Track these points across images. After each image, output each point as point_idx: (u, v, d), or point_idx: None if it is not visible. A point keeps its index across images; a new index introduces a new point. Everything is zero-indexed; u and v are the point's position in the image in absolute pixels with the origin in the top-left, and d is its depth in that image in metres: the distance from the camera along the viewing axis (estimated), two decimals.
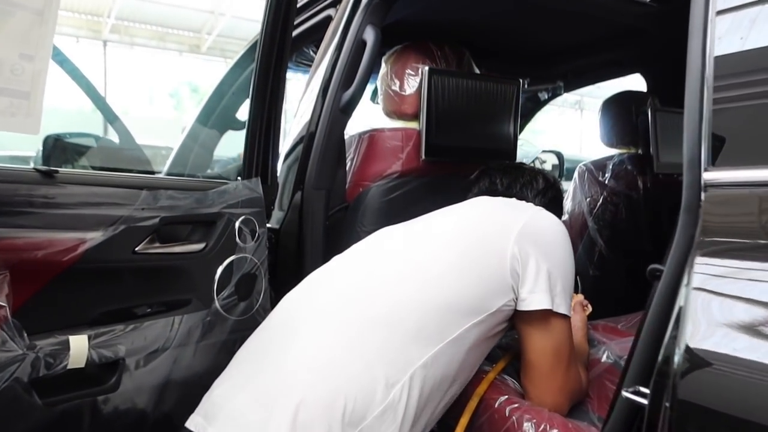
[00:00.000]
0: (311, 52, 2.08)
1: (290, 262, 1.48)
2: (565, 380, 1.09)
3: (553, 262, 1.07)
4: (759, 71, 0.67)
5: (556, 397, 1.08)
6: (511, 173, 1.35)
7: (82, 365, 1.07)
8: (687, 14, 1.72)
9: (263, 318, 1.12)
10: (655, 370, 0.60)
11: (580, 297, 1.48)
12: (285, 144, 1.61)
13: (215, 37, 12.08)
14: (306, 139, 1.51)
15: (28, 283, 1.04)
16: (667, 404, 0.54)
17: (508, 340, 1.30)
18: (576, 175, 2.17)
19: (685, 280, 0.60)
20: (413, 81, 1.63)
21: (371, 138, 1.62)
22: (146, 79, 12.76)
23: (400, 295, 1.00)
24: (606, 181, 2.09)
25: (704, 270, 0.58)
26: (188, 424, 0.95)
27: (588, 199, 2.10)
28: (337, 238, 1.56)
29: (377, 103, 2.29)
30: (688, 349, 0.52)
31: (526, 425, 1.02)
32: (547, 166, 3.32)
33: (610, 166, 2.09)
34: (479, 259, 1.05)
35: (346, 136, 1.62)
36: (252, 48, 2.05)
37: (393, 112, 1.69)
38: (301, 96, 1.66)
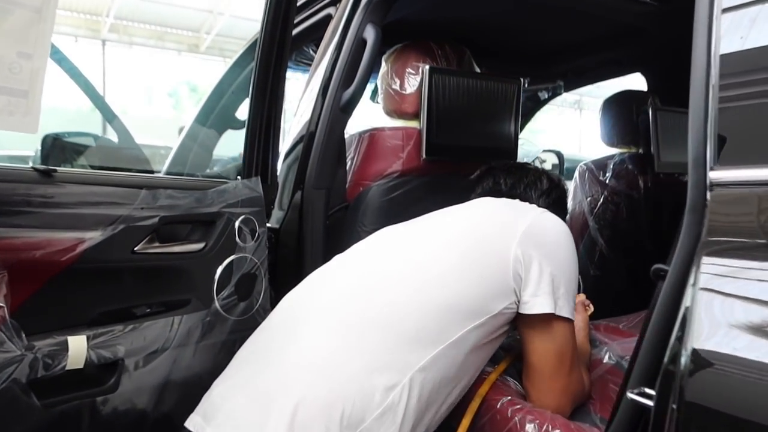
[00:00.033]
0: (311, 51, 2.07)
1: (290, 261, 1.47)
2: (567, 383, 1.08)
3: (557, 265, 1.06)
4: (766, 69, 0.66)
5: (558, 400, 1.08)
6: (515, 173, 1.34)
7: (81, 366, 1.06)
8: (688, 13, 1.72)
9: (263, 318, 1.11)
10: (660, 371, 0.59)
11: (582, 297, 1.47)
12: (285, 143, 1.60)
13: (214, 37, 12.06)
14: (306, 139, 1.50)
15: (26, 283, 1.03)
16: (674, 406, 0.53)
17: (510, 340, 1.29)
18: (577, 174, 2.17)
19: (691, 280, 0.59)
20: (414, 80, 1.63)
21: (372, 137, 1.62)
22: (145, 78, 12.75)
23: (400, 295, 0.99)
24: (607, 181, 2.08)
25: (711, 270, 0.57)
26: (187, 424, 0.95)
27: (589, 199, 2.10)
28: (338, 237, 1.55)
29: (377, 102, 2.28)
30: (695, 350, 0.52)
31: (529, 426, 1.02)
32: (547, 166, 3.31)
33: (611, 166, 2.09)
34: (481, 260, 1.04)
35: (346, 135, 1.61)
36: (251, 47, 2.04)
37: (393, 111, 1.68)
38: (300, 95, 1.65)
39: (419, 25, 1.82)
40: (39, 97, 1.00)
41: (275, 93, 1.37)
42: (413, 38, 1.72)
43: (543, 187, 1.31)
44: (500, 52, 2.13)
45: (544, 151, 3.20)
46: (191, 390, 1.04)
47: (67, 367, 1.04)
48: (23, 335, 0.99)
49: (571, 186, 2.16)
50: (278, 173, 1.50)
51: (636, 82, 2.57)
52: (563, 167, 3.27)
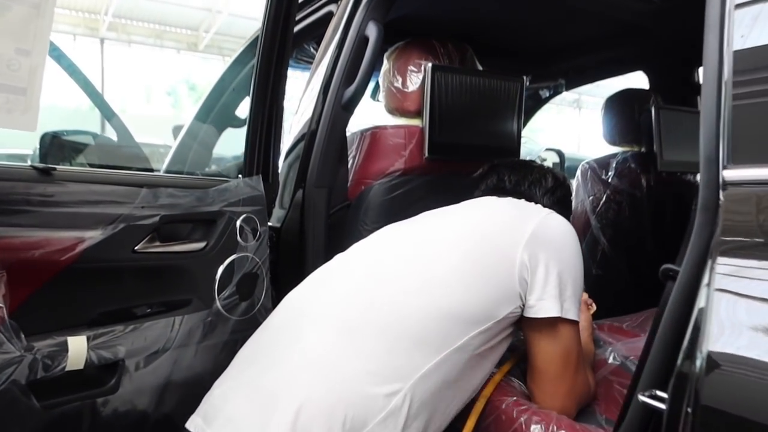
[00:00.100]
0: (312, 49, 2.06)
1: (291, 260, 1.46)
2: (572, 384, 1.07)
3: (563, 267, 1.05)
4: None
5: (563, 402, 1.07)
6: (520, 171, 1.32)
7: (81, 367, 1.05)
8: (689, 11, 1.71)
9: (265, 318, 1.10)
10: (674, 373, 0.58)
11: (584, 296, 1.46)
12: (286, 141, 1.59)
13: (213, 35, 12.04)
14: (308, 137, 1.49)
15: (25, 283, 1.02)
16: (689, 409, 0.52)
17: (514, 340, 1.28)
18: (579, 173, 2.16)
19: (705, 281, 0.58)
20: (416, 78, 1.61)
21: (373, 135, 1.60)
22: (143, 77, 12.73)
23: (405, 301, 0.98)
24: (609, 180, 2.07)
25: (726, 270, 0.56)
26: (188, 425, 0.94)
27: (591, 198, 2.08)
28: (339, 236, 1.54)
29: (378, 100, 2.27)
30: (711, 353, 0.50)
31: (534, 427, 1.01)
32: (548, 164, 3.31)
33: (614, 165, 2.08)
34: (487, 265, 1.03)
35: (348, 134, 1.60)
36: (252, 45, 2.03)
37: (395, 109, 1.67)
38: (302, 93, 1.64)
39: (420, 23, 1.81)
40: (38, 95, 0.99)
41: (276, 91, 1.36)
42: (415, 36, 1.70)
43: (548, 185, 1.30)
44: (501, 50, 2.12)
45: (547, 149, 3.19)
46: (192, 391, 1.03)
47: (67, 368, 1.03)
48: (22, 336, 0.98)
49: (573, 185, 2.15)
50: (279, 172, 1.49)
51: (635, 81, 2.57)
52: (564, 166, 3.26)
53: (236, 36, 11.44)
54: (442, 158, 1.62)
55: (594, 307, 1.47)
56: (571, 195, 1.39)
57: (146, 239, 1.15)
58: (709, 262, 0.59)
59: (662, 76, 2.39)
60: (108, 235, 1.09)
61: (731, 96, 0.65)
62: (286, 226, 1.49)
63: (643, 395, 0.67)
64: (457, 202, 1.26)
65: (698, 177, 2.00)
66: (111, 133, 1.89)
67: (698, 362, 0.52)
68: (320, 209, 1.46)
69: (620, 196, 2.06)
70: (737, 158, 0.64)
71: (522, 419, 1.03)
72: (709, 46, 0.70)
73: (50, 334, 1.03)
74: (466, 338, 0.96)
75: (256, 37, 1.98)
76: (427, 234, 1.14)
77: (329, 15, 1.65)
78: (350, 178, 1.61)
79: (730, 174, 0.64)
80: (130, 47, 11.96)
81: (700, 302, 0.58)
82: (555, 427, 0.99)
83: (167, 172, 2.05)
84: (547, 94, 2.73)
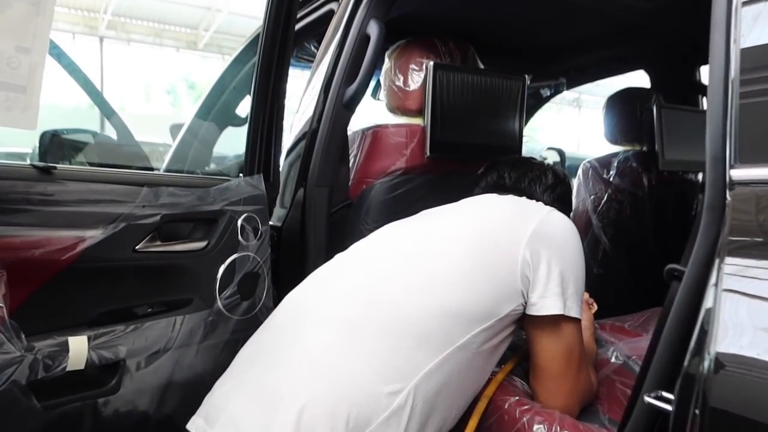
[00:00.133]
0: (312, 48, 2.06)
1: (292, 260, 1.45)
2: (575, 383, 1.07)
3: (565, 265, 1.04)
4: None
5: (566, 400, 1.06)
6: (520, 168, 1.32)
7: (82, 367, 1.05)
8: (691, 10, 1.71)
9: (266, 317, 1.09)
10: (680, 374, 0.57)
11: (585, 296, 1.46)
12: (286, 140, 1.58)
13: (212, 34, 12.03)
14: (309, 136, 1.49)
15: (25, 282, 1.02)
16: (696, 411, 0.51)
17: (516, 340, 1.27)
18: (580, 172, 2.15)
19: (712, 281, 0.57)
20: (417, 76, 1.61)
21: (375, 134, 1.60)
22: (143, 75, 12.71)
23: (407, 300, 0.97)
24: (611, 179, 2.06)
25: (735, 271, 0.55)
26: (189, 426, 0.93)
27: (592, 197, 2.08)
28: (340, 235, 1.54)
29: (378, 99, 2.26)
30: (719, 354, 0.50)
31: (537, 427, 1.00)
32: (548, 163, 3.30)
33: (615, 164, 2.07)
34: (488, 263, 1.03)
35: (349, 132, 1.60)
36: (252, 43, 2.02)
37: (397, 108, 1.66)
38: (303, 92, 1.64)
39: (421, 21, 1.80)
40: (38, 93, 0.98)
41: (277, 90, 1.35)
42: (416, 34, 1.70)
43: (548, 182, 1.30)
44: (502, 48, 2.11)
45: (548, 148, 3.19)
46: (193, 391, 1.03)
47: (68, 368, 1.02)
48: (23, 336, 0.97)
49: (574, 184, 2.14)
50: (280, 171, 1.48)
51: (635, 80, 2.56)
52: (564, 165, 3.26)
53: (236, 34, 11.43)
54: (444, 157, 1.62)
55: (595, 307, 1.47)
56: (571, 192, 1.39)
57: (147, 238, 1.15)
58: (717, 262, 0.58)
59: (663, 74, 2.38)
60: (108, 235, 1.08)
61: (738, 94, 0.65)
62: (287, 225, 1.48)
63: (649, 396, 0.66)
64: (459, 201, 1.26)
65: (700, 176, 2.00)
66: (110, 132, 1.88)
67: (706, 363, 0.51)
68: (321, 208, 1.46)
69: (622, 196, 2.06)
70: (744, 157, 0.64)
71: (525, 419, 1.02)
72: (715, 44, 0.69)
73: (51, 334, 1.03)
74: (469, 336, 0.96)
75: (257, 36, 1.97)
76: (427, 232, 1.13)
77: (330, 13, 1.65)
78: (351, 177, 1.61)
79: (737, 173, 0.64)
80: (130, 46, 11.95)
81: (708, 302, 0.57)
82: (558, 427, 0.99)
83: (167, 171, 2.04)
84: (548, 93, 2.72)
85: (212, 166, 2.21)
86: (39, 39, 0.99)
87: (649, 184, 2.07)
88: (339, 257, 1.15)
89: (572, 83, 2.63)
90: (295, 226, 1.46)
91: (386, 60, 1.71)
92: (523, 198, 1.23)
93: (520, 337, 1.25)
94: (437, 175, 1.62)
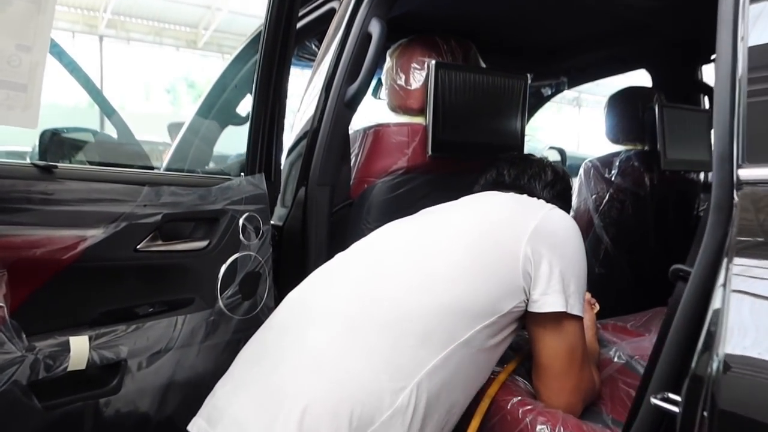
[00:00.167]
0: (313, 46, 2.05)
1: (293, 259, 1.45)
2: (578, 381, 1.06)
3: (567, 263, 1.04)
4: None
5: (569, 398, 1.06)
6: (519, 165, 1.33)
7: (83, 367, 1.04)
8: (693, 8, 1.70)
9: (267, 317, 1.09)
10: (688, 376, 0.57)
11: (587, 295, 1.46)
12: (288, 139, 1.57)
13: (212, 33, 12.03)
14: (310, 135, 1.48)
15: (26, 282, 1.01)
16: (705, 413, 0.51)
17: (518, 339, 1.27)
18: (582, 171, 2.15)
19: (720, 281, 0.57)
20: (419, 75, 1.60)
21: (376, 133, 1.59)
22: (142, 74, 12.70)
23: (408, 296, 0.97)
24: (612, 178, 2.06)
25: (743, 271, 0.55)
26: (190, 427, 0.93)
27: (594, 196, 2.07)
28: (342, 235, 1.53)
29: (379, 98, 2.26)
30: (728, 355, 0.49)
31: (540, 428, 1.00)
32: None
33: (617, 163, 2.06)
34: (491, 261, 1.02)
35: (350, 131, 1.59)
36: (253, 42, 2.02)
37: (398, 107, 1.66)
38: (304, 91, 1.63)
39: (422, 20, 1.80)
40: (39, 91, 0.98)
41: (279, 88, 1.35)
42: (417, 33, 1.69)
43: (547, 178, 1.30)
44: (504, 47, 2.11)
45: (550, 148, 3.18)
46: (195, 391, 1.02)
47: (69, 369, 1.02)
48: (24, 336, 0.97)
49: (576, 183, 2.14)
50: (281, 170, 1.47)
51: (636, 79, 2.55)
52: (565, 164, 3.26)
53: (236, 33, 11.43)
54: (446, 156, 1.61)
55: (597, 307, 1.47)
56: (570, 188, 1.39)
57: (148, 238, 1.14)
58: (725, 263, 0.58)
59: (665, 74, 2.38)
60: (110, 234, 1.08)
61: (746, 92, 0.64)
62: (288, 224, 1.47)
63: (655, 398, 0.66)
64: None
65: (702, 176, 1.99)
66: (110, 131, 1.88)
67: (714, 365, 0.51)
68: (323, 207, 1.45)
69: (623, 195, 2.05)
70: (753, 157, 0.63)
71: (528, 419, 1.02)
72: (722, 42, 0.68)
73: (52, 334, 1.02)
74: (471, 332, 0.95)
75: (258, 34, 1.97)
76: (428, 230, 1.13)
77: (331, 12, 1.64)
78: (353, 176, 1.60)
79: (745, 173, 0.63)
80: (129, 44, 11.94)
81: (715, 303, 0.56)
82: (561, 428, 0.98)
83: (167, 169, 2.03)
84: (549, 92, 2.72)
85: (212, 165, 2.21)
86: (40, 37, 0.98)
87: (651, 183, 2.06)
88: (339, 256, 1.15)
89: (573, 82, 2.63)
90: (296, 226, 1.45)
91: (388, 59, 1.70)
92: (524, 195, 1.23)
93: (523, 336, 1.25)
94: (439, 175, 1.62)
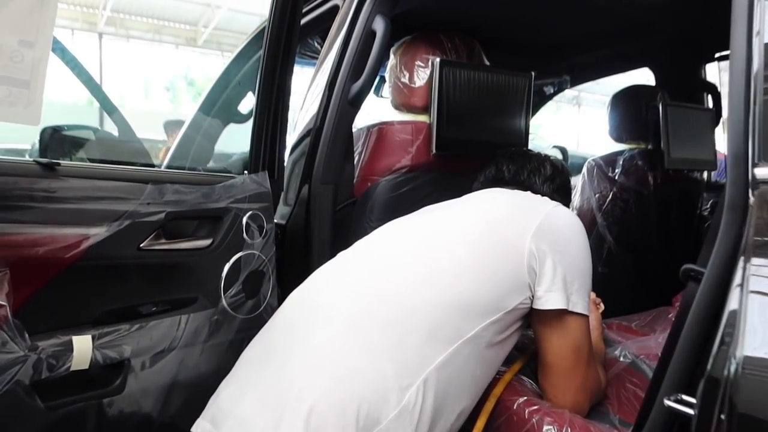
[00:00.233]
0: (316, 44, 2.04)
1: (296, 258, 1.44)
2: (584, 379, 1.06)
3: (571, 260, 1.04)
4: None
5: (576, 397, 1.06)
6: (518, 160, 1.33)
7: (86, 366, 1.03)
8: (697, 6, 1.69)
9: (271, 316, 1.08)
10: (703, 378, 0.56)
11: (592, 295, 1.45)
12: (291, 137, 1.56)
13: (212, 30, 12.01)
14: (313, 133, 1.47)
15: (29, 281, 1.00)
16: (722, 416, 0.50)
17: (523, 339, 1.26)
18: (585, 170, 2.14)
19: (736, 282, 0.56)
20: (423, 73, 1.59)
21: (380, 131, 1.58)
22: (142, 72, 12.68)
23: (413, 294, 0.96)
24: (616, 177, 2.05)
25: (761, 272, 0.54)
26: (194, 429, 0.92)
27: (597, 195, 2.07)
28: (345, 233, 1.52)
29: (381, 96, 2.25)
30: (748, 358, 0.48)
31: (547, 428, 0.99)
32: None
33: (620, 162, 2.05)
34: (496, 257, 1.02)
35: (353, 129, 1.58)
36: (255, 39, 2.00)
37: (402, 105, 1.65)
38: (307, 88, 1.62)
39: (424, 17, 1.79)
40: (41, 88, 0.97)
41: (283, 85, 1.34)
42: (420, 30, 1.68)
43: (547, 173, 1.31)
44: (506, 45, 2.09)
45: (553, 146, 3.18)
46: (198, 391, 1.02)
47: (72, 368, 1.01)
48: (26, 335, 0.96)
49: (579, 182, 2.13)
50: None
51: (636, 78, 2.54)
52: (567, 163, 3.25)
53: (235, 31, 11.41)
54: (450, 155, 1.60)
55: (602, 307, 1.46)
56: (570, 182, 1.39)
57: (152, 236, 1.13)
58: (741, 263, 0.57)
59: (668, 72, 2.37)
60: (113, 232, 1.07)
61: (762, 90, 0.63)
62: (291, 222, 1.47)
63: (669, 399, 0.65)
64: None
65: (705, 175, 1.98)
66: (109, 128, 1.87)
67: (732, 367, 0.50)
68: (326, 206, 1.44)
69: (627, 194, 2.04)
70: None
71: (534, 419, 1.01)
72: (736, 37, 0.67)
73: (55, 334, 1.01)
74: (477, 329, 0.95)
75: (260, 31, 1.96)
76: (431, 226, 1.13)
77: (335, 9, 1.63)
78: (356, 174, 1.59)
79: (761, 172, 0.62)
80: (129, 42, 11.92)
81: (732, 304, 0.56)
82: (569, 428, 0.98)
83: (168, 167, 2.02)
84: (552, 91, 2.71)
85: (213, 164, 2.19)
86: (42, 33, 0.97)
87: (655, 182, 2.05)
88: (342, 255, 1.14)
89: (576, 80, 2.62)
90: (299, 224, 1.45)
91: (391, 56, 1.69)
92: (528, 192, 1.23)
93: (528, 336, 1.24)
94: (443, 173, 1.61)
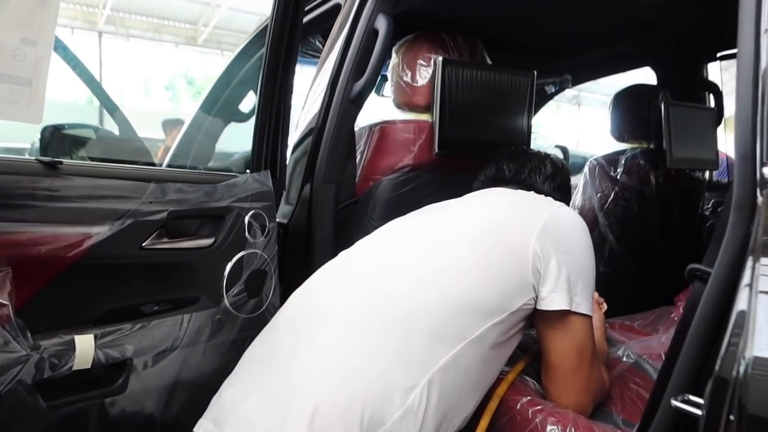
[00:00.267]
0: (317, 43, 2.03)
1: (298, 257, 1.44)
2: (588, 379, 1.05)
3: (575, 260, 1.04)
4: None
5: (579, 397, 1.05)
6: (518, 159, 1.33)
7: (89, 366, 1.03)
8: (700, 5, 1.68)
9: (273, 316, 1.07)
10: (711, 378, 0.56)
11: (595, 295, 1.45)
12: (293, 136, 1.56)
13: (212, 29, 11.99)
14: (315, 132, 1.47)
15: (31, 280, 0.99)
16: (731, 417, 0.50)
17: (526, 339, 1.26)
18: (587, 169, 2.13)
19: (745, 282, 0.56)
20: (425, 72, 1.59)
21: (382, 130, 1.58)
22: (142, 71, 12.66)
23: (418, 296, 0.96)
24: (618, 176, 2.04)
25: None
26: (197, 429, 0.91)
27: (599, 195, 2.06)
28: (347, 233, 1.52)
29: (382, 95, 2.24)
30: (758, 359, 0.48)
31: (551, 428, 0.99)
32: None
33: (623, 161, 2.05)
34: (500, 256, 1.02)
35: (356, 128, 1.58)
36: (255, 38, 2.00)
37: (404, 104, 1.64)
38: (309, 87, 1.61)
39: (426, 16, 1.78)
40: (43, 86, 0.96)
41: (285, 84, 1.34)
42: (421, 29, 1.68)
43: (547, 171, 1.31)
44: (508, 44, 2.09)
45: (555, 146, 3.18)
46: (200, 391, 1.01)
47: (75, 368, 1.01)
48: (29, 334, 0.95)
49: (580, 181, 2.13)
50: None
51: (636, 77, 2.54)
52: (568, 162, 3.25)
53: (235, 30, 11.40)
54: (452, 153, 1.60)
55: (605, 306, 1.46)
56: (570, 181, 1.39)
57: (154, 235, 1.13)
58: (750, 263, 0.57)
59: (670, 71, 2.36)
60: (115, 231, 1.06)
61: None
62: (293, 222, 1.46)
63: (676, 399, 0.65)
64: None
65: (707, 174, 1.97)
66: (109, 127, 1.86)
67: (742, 368, 0.49)
68: (328, 205, 1.44)
69: (629, 193, 2.04)
70: None
71: (538, 419, 1.01)
72: (743, 35, 0.67)
73: (57, 333, 1.01)
74: (481, 330, 0.94)
75: (260, 31, 1.96)
76: (434, 226, 1.12)
77: (337, 8, 1.63)
78: (358, 173, 1.59)
79: None
80: (129, 41, 11.90)
81: (740, 304, 0.55)
82: (572, 428, 0.97)
83: (169, 166, 2.02)
84: (553, 90, 2.70)
85: (213, 163, 2.19)
86: (45, 31, 0.96)
87: (657, 181, 2.05)
88: (344, 254, 1.13)
89: (577, 80, 2.62)
90: (301, 223, 1.44)
91: (393, 55, 1.69)
92: (532, 192, 1.23)
93: (531, 336, 1.24)
94: (445, 172, 1.61)
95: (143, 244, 1.11)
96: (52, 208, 1.02)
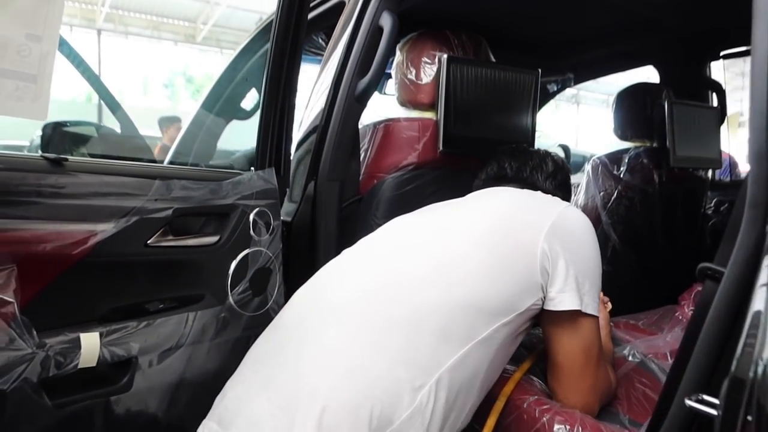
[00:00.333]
0: (320, 40, 2.03)
1: (302, 255, 1.43)
2: (595, 380, 1.05)
3: (582, 261, 1.03)
4: None
5: (586, 398, 1.05)
6: (519, 157, 1.33)
7: (94, 364, 1.02)
8: (703, 4, 1.68)
9: (277, 314, 1.07)
10: (727, 378, 0.55)
11: (600, 294, 1.44)
12: (296, 134, 1.55)
13: (211, 27, 11.98)
14: (319, 130, 1.46)
15: (36, 277, 0.99)
16: (749, 418, 0.49)
17: (531, 338, 1.26)
18: (589, 168, 2.13)
19: (761, 281, 0.55)
20: (430, 69, 1.58)
21: (387, 128, 1.57)
22: (141, 68, 12.65)
23: (426, 296, 0.95)
24: (621, 175, 2.04)
25: None
26: (201, 430, 0.90)
27: (602, 193, 2.06)
28: (350, 231, 1.51)
29: (385, 93, 2.24)
30: None
31: (558, 427, 0.98)
32: None
33: (626, 160, 2.04)
34: (508, 258, 1.01)
35: (360, 126, 1.57)
36: (257, 36, 1.99)
37: (408, 102, 1.64)
38: (312, 85, 1.61)
39: (430, 13, 1.78)
40: (48, 82, 0.96)
41: (290, 82, 1.33)
42: (426, 27, 1.67)
43: (548, 169, 1.31)
44: (509, 42, 2.09)
45: (559, 145, 3.18)
46: (205, 389, 1.00)
47: (80, 366, 1.00)
48: (34, 332, 0.95)
49: (583, 180, 2.12)
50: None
51: (636, 77, 2.53)
52: (569, 161, 3.24)
53: (234, 28, 11.39)
54: (457, 152, 1.59)
55: (610, 305, 1.46)
56: (570, 178, 1.39)
57: (159, 233, 1.12)
58: (766, 262, 0.56)
59: (673, 70, 2.36)
60: (120, 229, 1.06)
61: None
62: (297, 220, 1.46)
63: (690, 399, 0.64)
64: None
65: (710, 173, 1.97)
66: (110, 125, 1.86)
67: (760, 368, 0.49)
68: (332, 203, 1.43)
69: (632, 192, 2.04)
70: None
71: (545, 419, 1.01)
72: (758, 32, 0.66)
73: (62, 331, 1.00)
74: (489, 330, 0.94)
75: (262, 29, 1.95)
76: (439, 224, 1.11)
77: (341, 5, 1.62)
78: (362, 171, 1.58)
79: None
80: (128, 39, 11.88)
81: (757, 304, 0.55)
82: (580, 428, 0.97)
83: (171, 163, 2.01)
84: (555, 88, 2.70)
85: (215, 161, 2.19)
86: (50, 27, 0.96)
87: (660, 180, 2.05)
88: (347, 253, 1.13)
89: (580, 78, 2.61)
90: (305, 221, 1.44)
91: (398, 53, 1.68)
92: (538, 192, 1.22)
93: (536, 335, 1.24)
94: (449, 170, 1.60)
95: (148, 242, 1.11)
96: (57, 205, 1.01)
